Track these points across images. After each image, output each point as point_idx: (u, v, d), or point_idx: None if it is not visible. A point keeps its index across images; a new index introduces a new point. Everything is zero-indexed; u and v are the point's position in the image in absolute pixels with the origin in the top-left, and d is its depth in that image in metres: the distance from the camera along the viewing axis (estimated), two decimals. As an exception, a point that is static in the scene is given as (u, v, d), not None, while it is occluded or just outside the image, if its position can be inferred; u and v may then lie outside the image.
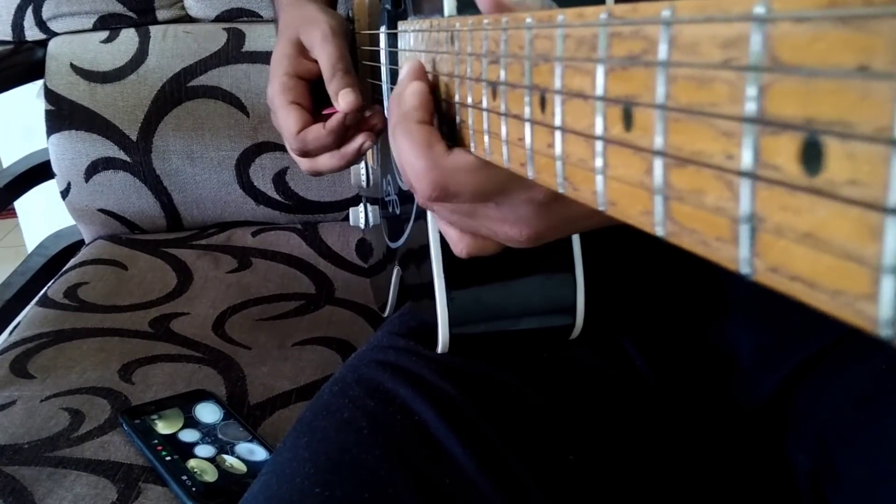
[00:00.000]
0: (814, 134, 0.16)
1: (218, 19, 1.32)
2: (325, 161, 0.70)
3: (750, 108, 0.18)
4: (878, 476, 0.55)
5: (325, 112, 0.69)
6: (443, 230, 0.52)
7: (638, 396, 0.66)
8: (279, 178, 1.29)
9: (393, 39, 0.65)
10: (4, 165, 1.45)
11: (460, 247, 0.50)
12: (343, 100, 0.67)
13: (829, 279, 0.16)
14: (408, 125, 0.46)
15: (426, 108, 0.47)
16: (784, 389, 0.63)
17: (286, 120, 0.69)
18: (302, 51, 0.72)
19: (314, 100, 0.71)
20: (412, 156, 0.45)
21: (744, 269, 0.19)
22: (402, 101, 0.47)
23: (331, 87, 0.68)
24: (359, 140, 0.68)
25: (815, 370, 0.62)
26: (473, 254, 0.50)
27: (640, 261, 0.68)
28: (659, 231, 0.22)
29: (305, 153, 0.69)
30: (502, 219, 0.46)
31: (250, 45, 1.29)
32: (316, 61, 0.71)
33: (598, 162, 0.25)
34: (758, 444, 0.66)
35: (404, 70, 0.50)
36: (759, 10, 0.17)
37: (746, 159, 0.18)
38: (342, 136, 0.68)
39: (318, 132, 0.67)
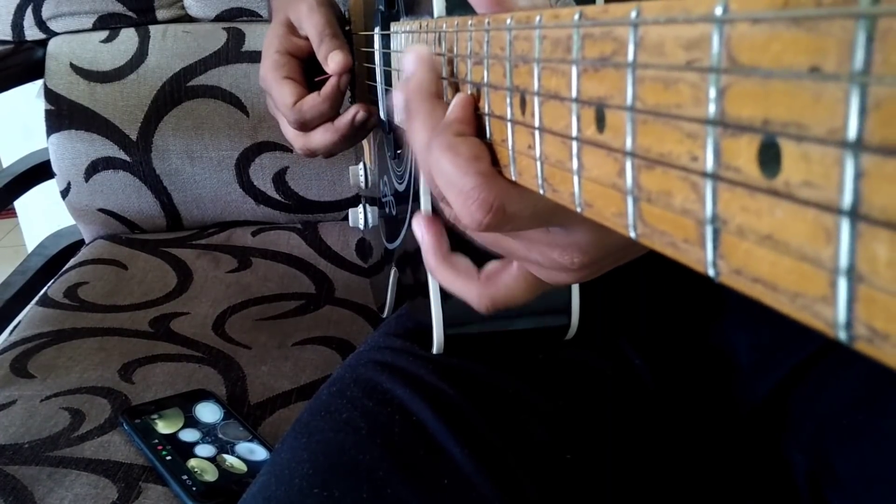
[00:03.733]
0: (771, 135, 0.16)
1: (218, 19, 1.32)
2: (319, 136, 0.70)
3: (711, 109, 0.18)
4: (876, 476, 0.55)
5: (317, 80, 0.69)
6: (458, 287, 0.46)
7: (636, 396, 0.66)
8: (279, 178, 1.29)
9: (386, 41, 0.65)
10: (4, 165, 1.45)
11: (484, 303, 0.45)
12: (332, 61, 0.67)
13: (789, 281, 0.16)
14: (448, 138, 0.37)
15: (468, 120, 0.38)
16: (782, 389, 0.63)
17: (281, 94, 0.69)
18: (291, 29, 0.72)
19: (308, 78, 0.71)
20: (457, 174, 0.36)
21: (709, 272, 0.19)
22: (427, 101, 0.40)
23: (320, 53, 0.68)
24: (352, 111, 0.68)
25: (813, 370, 0.61)
26: (499, 306, 0.45)
27: (636, 261, 0.68)
28: (631, 233, 0.22)
29: (303, 124, 0.69)
30: (552, 243, 0.40)
31: (250, 44, 1.29)
32: (306, 38, 0.71)
33: (575, 163, 0.25)
34: (756, 444, 0.65)
35: (410, 61, 0.43)
36: (718, 10, 0.17)
37: (709, 161, 0.18)
38: (339, 102, 0.68)
39: (314, 100, 0.67)
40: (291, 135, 0.72)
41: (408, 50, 0.44)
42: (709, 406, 0.67)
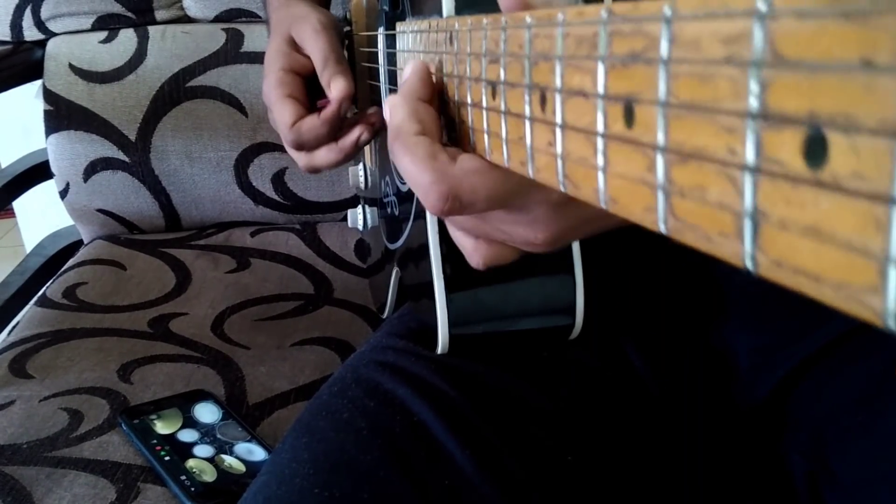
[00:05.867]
0: (817, 128, 0.16)
1: (216, 20, 1.32)
2: (323, 155, 0.70)
3: (752, 103, 0.18)
4: (874, 477, 0.55)
5: (319, 104, 0.69)
6: (456, 240, 0.49)
7: (637, 397, 0.66)
8: (278, 179, 1.30)
9: (391, 41, 0.66)
10: (3, 165, 1.45)
11: (476, 258, 0.48)
12: (335, 87, 0.67)
13: (835, 272, 0.16)
14: (405, 139, 0.44)
15: (419, 117, 0.45)
16: (781, 391, 0.63)
17: (281, 113, 0.69)
18: (295, 47, 0.72)
19: (310, 95, 0.71)
20: (415, 171, 0.42)
21: (747, 264, 0.19)
22: (393, 113, 0.46)
23: (323, 77, 0.68)
24: (356, 132, 0.68)
25: (812, 371, 0.62)
26: (490, 263, 0.48)
27: (639, 261, 0.69)
28: (661, 227, 0.22)
29: (301, 146, 0.69)
30: (515, 220, 0.44)
31: (249, 45, 1.29)
32: (309, 57, 0.71)
33: (600, 159, 0.25)
34: (755, 445, 0.66)
35: (407, 71, 0.48)
36: (761, 5, 0.17)
37: (749, 154, 0.18)
38: (337, 126, 0.68)
39: (312, 123, 0.67)
40: (293, 152, 0.72)
41: (407, 70, 0.49)
42: (709, 407, 0.67)
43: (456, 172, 0.42)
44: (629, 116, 0.23)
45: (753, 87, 0.18)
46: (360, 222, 0.88)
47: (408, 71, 0.48)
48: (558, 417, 0.61)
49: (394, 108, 0.46)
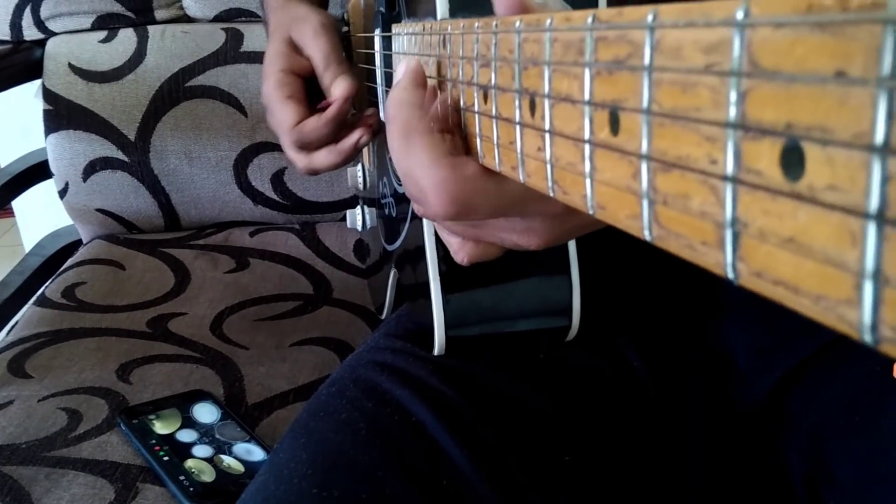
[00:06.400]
0: (794, 139, 0.16)
1: (216, 19, 1.32)
2: (322, 157, 0.70)
3: (731, 112, 0.18)
4: (872, 477, 0.55)
5: (319, 106, 0.69)
6: (443, 237, 0.50)
7: (635, 397, 0.66)
8: (277, 179, 1.29)
9: (387, 42, 0.66)
10: (2, 165, 1.45)
11: (461, 255, 0.48)
12: (338, 86, 0.67)
13: (812, 284, 0.16)
14: (423, 133, 0.43)
15: (440, 113, 0.44)
16: (779, 391, 0.63)
17: (283, 114, 0.69)
18: (295, 48, 0.72)
19: (310, 97, 0.71)
20: (428, 165, 0.41)
21: (728, 274, 0.19)
22: (398, 109, 0.45)
23: (325, 78, 0.68)
24: (356, 135, 0.68)
25: (810, 371, 0.62)
26: (474, 261, 0.48)
27: (636, 262, 0.68)
28: (646, 235, 0.22)
29: (304, 146, 0.69)
30: (511, 228, 0.44)
31: (248, 45, 1.29)
32: (309, 58, 0.71)
33: (587, 166, 0.25)
34: (754, 444, 0.66)
35: (401, 69, 0.48)
36: (740, 15, 0.17)
37: (729, 164, 0.18)
38: (340, 126, 0.68)
39: (315, 123, 0.67)
40: (293, 154, 0.72)
41: (401, 68, 0.48)
42: (707, 407, 0.67)
43: (468, 175, 0.41)
44: (615, 124, 0.23)
45: (732, 96, 0.18)
46: (359, 223, 0.88)
47: (402, 69, 0.48)
48: (556, 418, 0.61)
49: (398, 104, 0.45)
